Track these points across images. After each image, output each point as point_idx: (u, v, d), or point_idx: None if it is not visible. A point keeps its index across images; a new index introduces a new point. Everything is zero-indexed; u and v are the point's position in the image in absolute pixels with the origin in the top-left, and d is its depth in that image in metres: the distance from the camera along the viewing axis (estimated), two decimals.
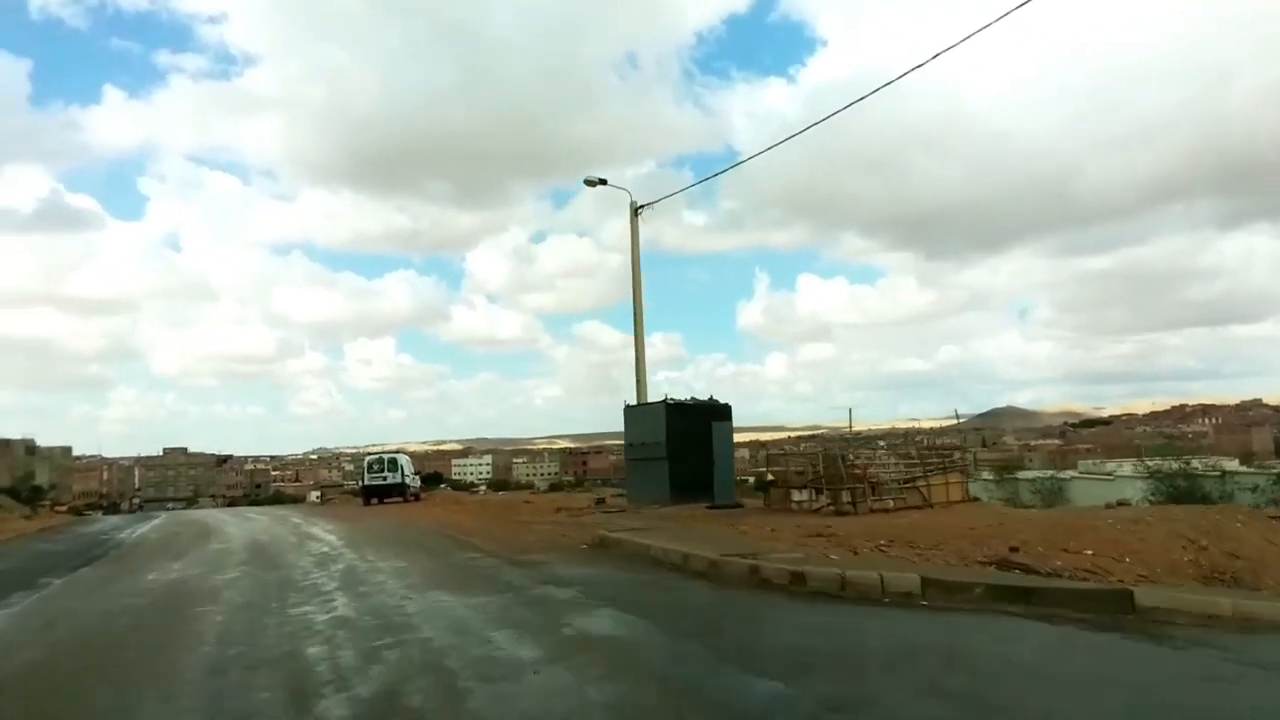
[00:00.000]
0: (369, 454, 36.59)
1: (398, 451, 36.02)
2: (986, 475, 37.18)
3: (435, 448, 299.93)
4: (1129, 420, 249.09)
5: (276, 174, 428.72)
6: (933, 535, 12.48)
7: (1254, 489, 24.99)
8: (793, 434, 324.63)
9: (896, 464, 19.15)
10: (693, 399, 22.20)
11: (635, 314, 24.62)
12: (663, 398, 21.96)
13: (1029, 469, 56.89)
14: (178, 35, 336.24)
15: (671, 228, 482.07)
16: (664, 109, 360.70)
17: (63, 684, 6.73)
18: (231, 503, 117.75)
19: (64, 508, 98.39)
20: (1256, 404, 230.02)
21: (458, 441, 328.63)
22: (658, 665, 6.39)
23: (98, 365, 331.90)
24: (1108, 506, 20.24)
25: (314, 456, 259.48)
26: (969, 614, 7.75)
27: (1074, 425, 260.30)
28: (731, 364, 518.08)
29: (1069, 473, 43.14)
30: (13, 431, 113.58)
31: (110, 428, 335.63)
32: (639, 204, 25.45)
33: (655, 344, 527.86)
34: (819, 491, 17.88)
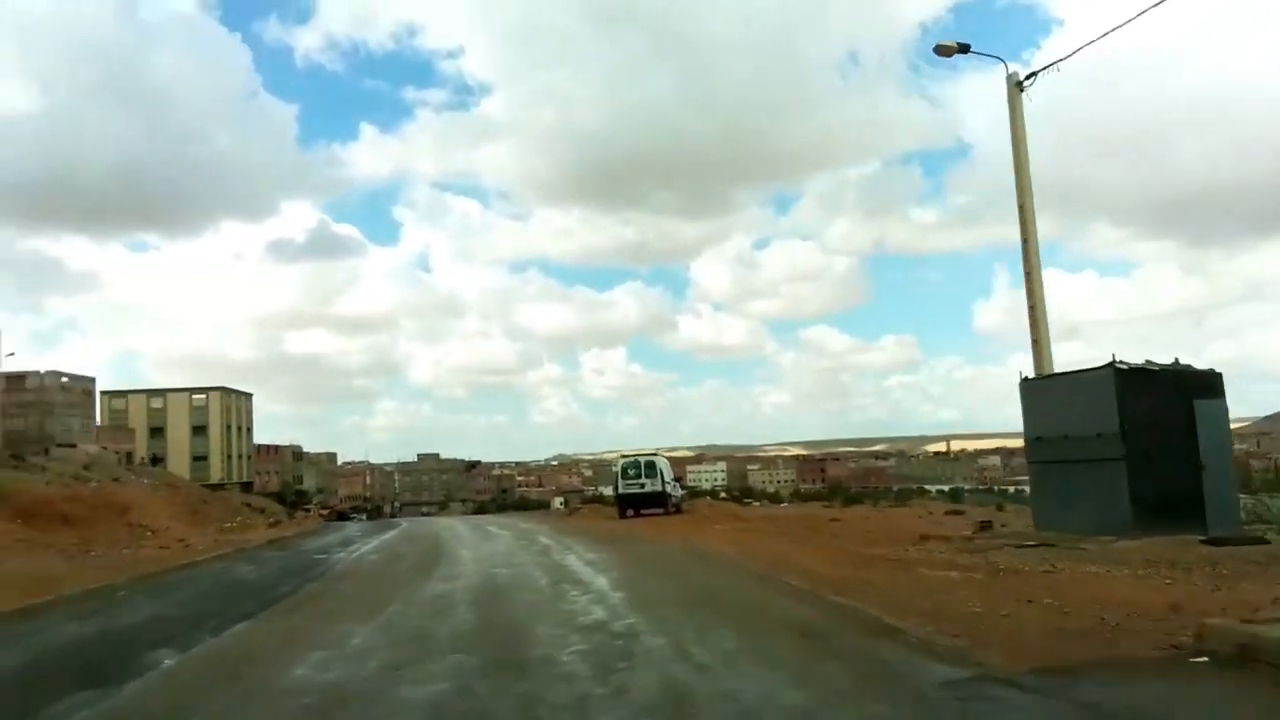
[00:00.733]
0: (623, 457, 30.18)
1: (655, 454, 29.60)
2: None
3: (668, 454, 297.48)
4: None
5: (511, 195, 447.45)
6: None
7: None
8: None
9: None
10: (1154, 363, 13.64)
11: (1023, 235, 16.49)
12: (1109, 360, 13.40)
13: None
14: (421, 71, 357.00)
15: (899, 227, 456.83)
16: (888, 105, 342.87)
17: None
18: (479, 508, 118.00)
19: (326, 510, 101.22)
20: None
21: (689, 448, 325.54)
22: None
23: (362, 379, 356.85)
24: None
25: (554, 463, 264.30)
26: None
27: None
28: (969, 367, 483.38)
29: None
30: (300, 441, 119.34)
31: (374, 436, 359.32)
32: (1020, 76, 17.36)
33: (887, 347, 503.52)
34: None
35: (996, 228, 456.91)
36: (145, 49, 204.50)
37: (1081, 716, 4.77)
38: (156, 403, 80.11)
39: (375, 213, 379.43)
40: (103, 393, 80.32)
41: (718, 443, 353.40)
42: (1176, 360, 13.87)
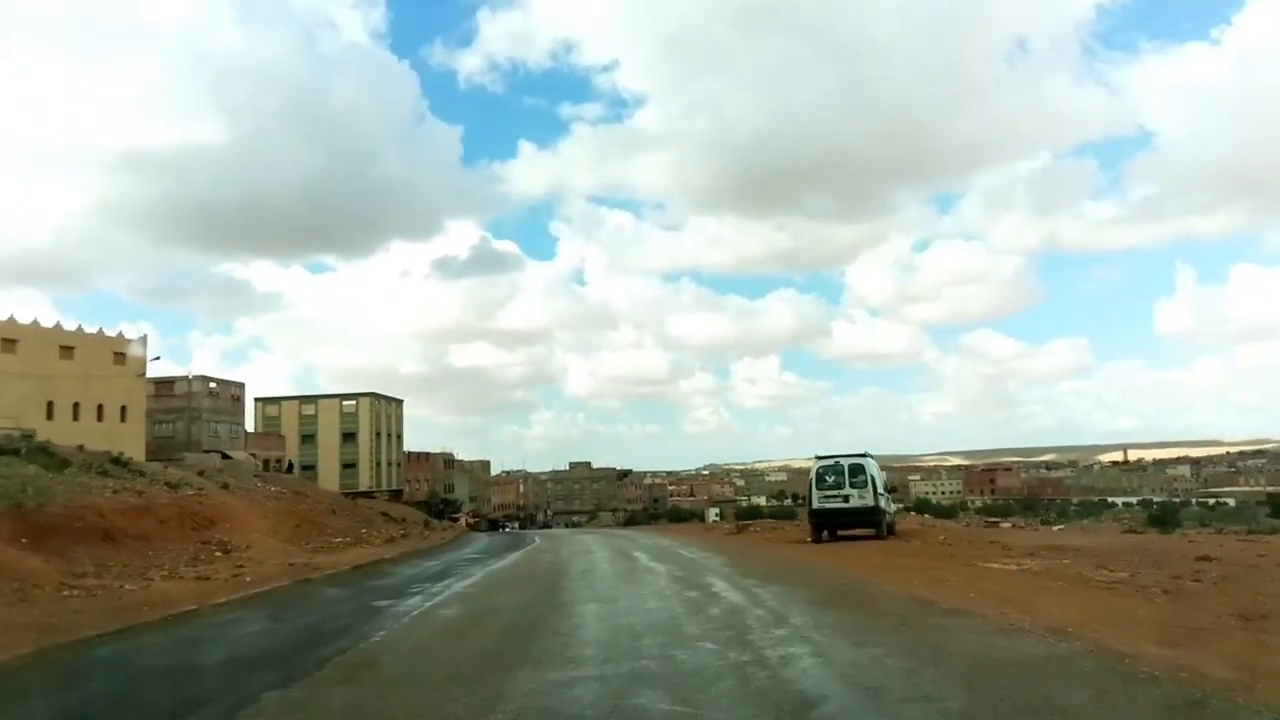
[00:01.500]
0: (819, 459, 21.49)
1: (863, 455, 20.91)
2: None
3: None
4: None
5: (665, 206, 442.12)
6: None
7: None
8: (1231, 448, 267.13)
9: None
10: None
11: None
12: None
13: None
14: (577, 87, 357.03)
15: (1072, 223, 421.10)
16: (1061, 94, 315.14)
17: None
18: (630, 518, 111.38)
19: (475, 519, 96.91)
20: None
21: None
22: None
23: (520, 390, 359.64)
24: None
25: (706, 472, 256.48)
26: None
27: None
28: (1150, 371, 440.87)
29: None
30: (459, 450, 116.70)
31: (531, 445, 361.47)
32: None
33: (1057, 351, 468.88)
34: None
35: (1181, 220, 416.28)
36: (323, 80, 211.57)
37: None
38: (308, 409, 77.29)
39: (533, 228, 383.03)
40: (256, 400, 78.38)
41: (874, 452, 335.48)
42: None
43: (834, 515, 20.30)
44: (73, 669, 8.10)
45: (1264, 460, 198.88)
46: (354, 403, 77.76)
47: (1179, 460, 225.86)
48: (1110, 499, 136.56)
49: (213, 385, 64.44)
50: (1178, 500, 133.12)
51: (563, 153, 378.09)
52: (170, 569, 17.83)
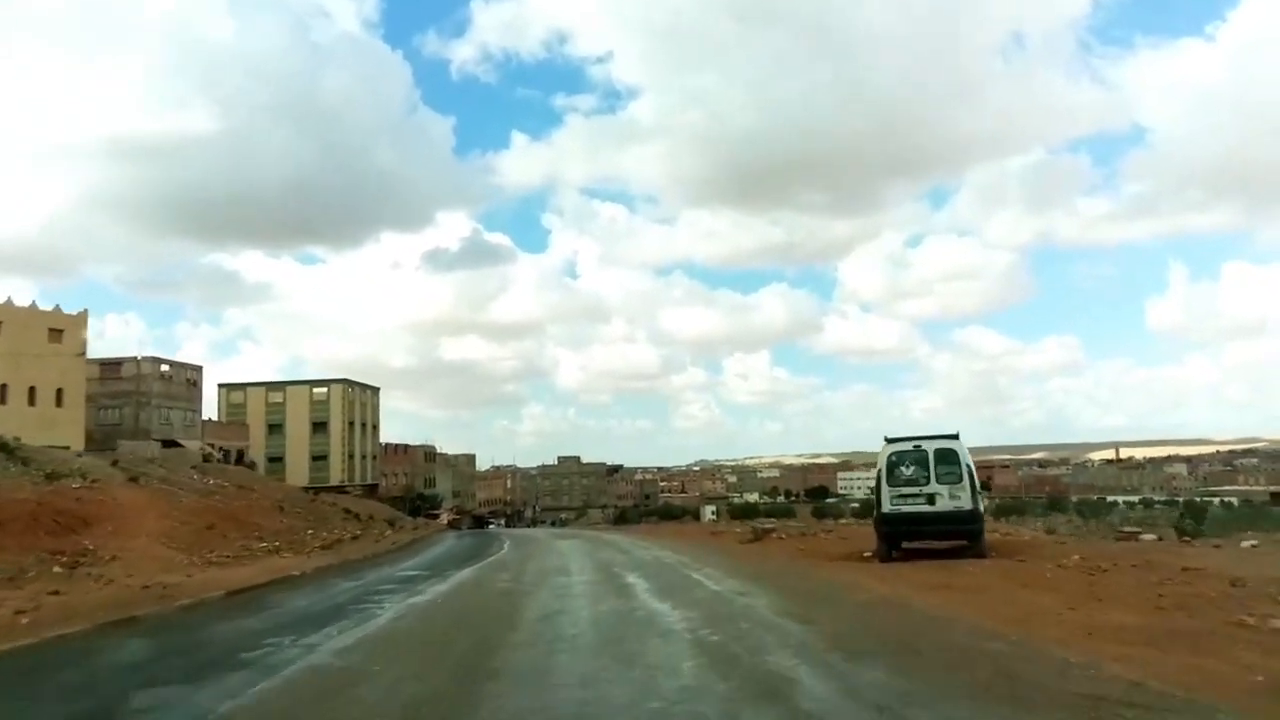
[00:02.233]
0: (889, 442, 14.48)
1: (953, 437, 14.33)
2: None
3: (811, 461, 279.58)
4: None
5: (658, 198, 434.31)
6: None
7: None
8: (1221, 447, 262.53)
9: None
10: None
11: None
12: None
13: None
14: (571, 78, 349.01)
15: (1066, 219, 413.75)
16: (1055, 89, 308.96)
17: None
18: (619, 515, 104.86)
19: (457, 516, 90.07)
20: None
21: (833, 455, 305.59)
22: None
23: (512, 384, 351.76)
24: None
25: (697, 468, 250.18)
26: None
27: None
28: (1140, 369, 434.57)
29: None
30: (446, 444, 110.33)
31: (522, 440, 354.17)
32: None
33: (1047, 348, 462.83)
34: None
35: (1175, 217, 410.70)
36: (315, 70, 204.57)
37: None
38: (275, 397, 70.56)
39: (525, 220, 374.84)
40: (220, 386, 71.78)
41: (864, 449, 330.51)
42: None
43: (914, 522, 13.88)
44: None
45: (1256, 459, 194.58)
46: (325, 390, 71.14)
47: (1171, 459, 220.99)
48: (1109, 498, 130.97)
49: (165, 368, 57.75)
50: (1200, 501, 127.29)
51: (556, 144, 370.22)
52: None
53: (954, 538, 14.15)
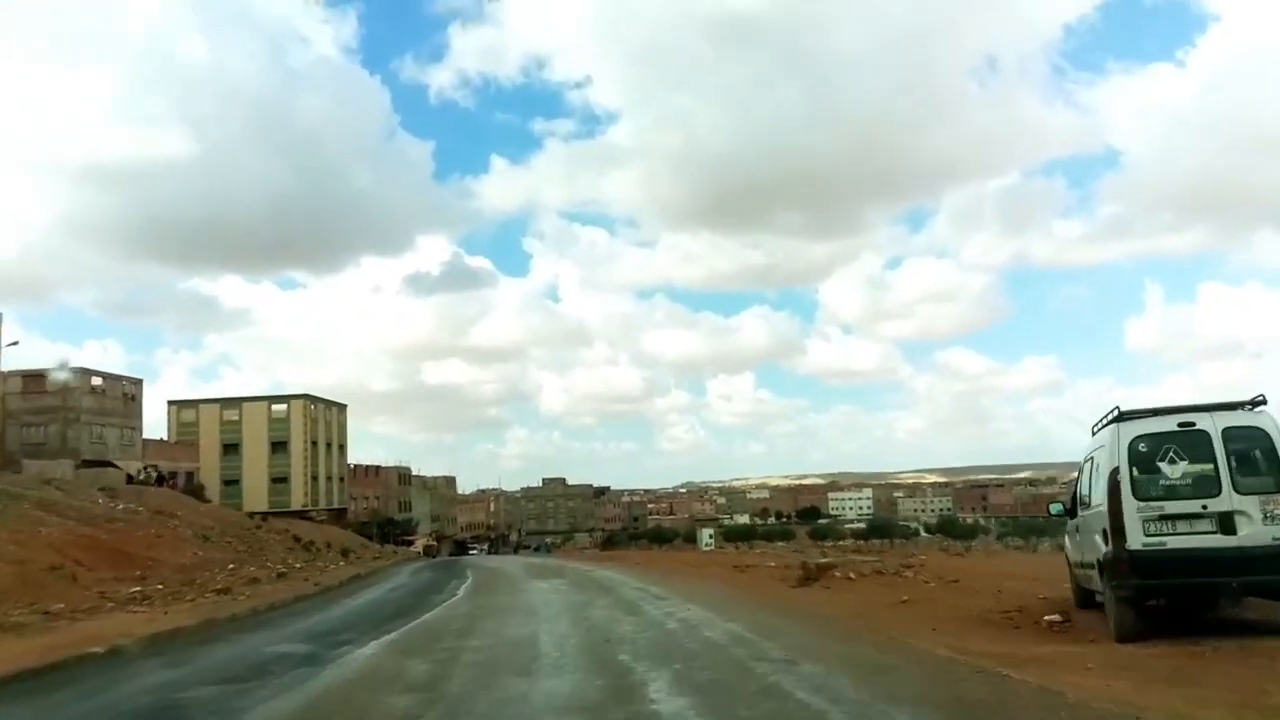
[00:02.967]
0: (1119, 418, 7.82)
1: (1255, 404, 8.31)
2: None
3: (797, 482, 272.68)
4: None
5: (638, 222, 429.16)
6: None
7: None
8: None
9: None
10: None
11: None
12: None
13: None
14: (550, 103, 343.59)
15: (1042, 240, 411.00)
16: (1029, 113, 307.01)
17: None
18: (608, 538, 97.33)
19: (435, 542, 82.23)
20: None
21: (819, 475, 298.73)
22: None
23: (495, 408, 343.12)
24: None
25: (684, 490, 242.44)
26: None
27: None
28: (1120, 389, 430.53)
29: None
30: (435, 469, 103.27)
31: (506, 464, 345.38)
32: None
33: (1028, 369, 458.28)
34: None
35: (1149, 239, 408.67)
36: (292, 94, 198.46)
37: None
38: (231, 414, 63.14)
39: (506, 244, 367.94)
40: (170, 403, 64.41)
41: (850, 470, 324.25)
42: None
43: (1200, 568, 7.11)
44: None
45: None
46: (285, 406, 63.79)
47: None
48: None
49: (97, 381, 50.38)
50: None
51: (535, 168, 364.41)
52: None
53: (1268, 592, 7.41)
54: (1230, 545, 7.11)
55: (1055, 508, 10.40)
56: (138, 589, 18.95)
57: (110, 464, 47.85)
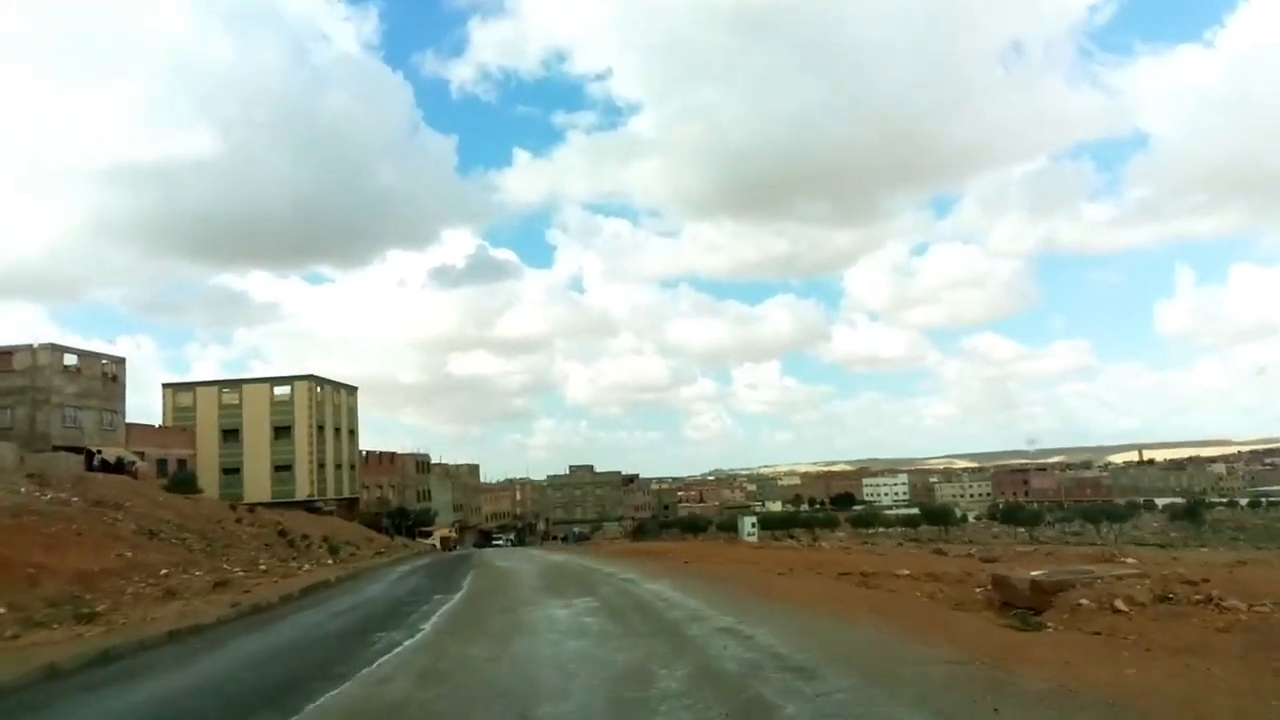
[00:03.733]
0: None
1: None
2: None
3: (826, 469, 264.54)
4: None
5: (661, 212, 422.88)
6: None
7: None
8: (1241, 447, 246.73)
9: None
10: None
11: None
12: None
13: None
14: (571, 95, 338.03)
15: (1070, 224, 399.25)
16: (1056, 96, 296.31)
17: None
18: (638, 527, 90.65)
19: (456, 535, 76.08)
20: None
21: (847, 463, 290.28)
22: None
23: (522, 398, 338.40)
24: None
25: (712, 478, 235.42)
26: None
27: None
28: (1152, 373, 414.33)
29: None
30: (461, 459, 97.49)
31: (534, 454, 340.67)
32: None
33: (1059, 353, 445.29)
34: None
35: (1180, 221, 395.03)
36: (317, 92, 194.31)
37: None
38: (230, 397, 57.16)
39: (530, 236, 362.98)
40: (165, 385, 58.53)
41: (878, 456, 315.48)
42: None
43: None
44: None
45: None
46: (288, 389, 57.67)
47: (1191, 459, 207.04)
48: (1154, 500, 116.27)
49: (71, 360, 44.44)
50: (1247, 500, 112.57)
51: (558, 161, 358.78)
52: None
53: None
54: None
55: None
56: (14, 612, 12.62)
57: (89, 450, 41.94)
